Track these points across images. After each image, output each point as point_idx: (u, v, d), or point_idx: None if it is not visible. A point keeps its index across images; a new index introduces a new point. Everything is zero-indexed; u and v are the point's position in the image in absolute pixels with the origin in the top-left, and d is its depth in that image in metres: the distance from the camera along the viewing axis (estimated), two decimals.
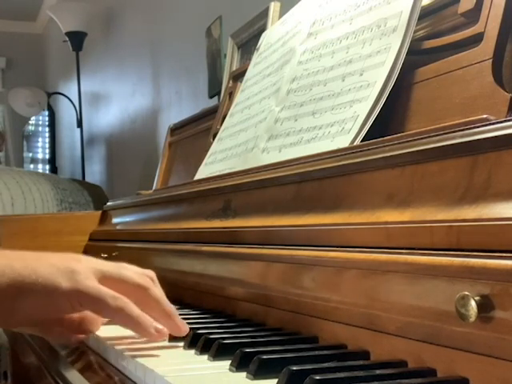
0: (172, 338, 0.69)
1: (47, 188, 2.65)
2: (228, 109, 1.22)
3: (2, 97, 5.41)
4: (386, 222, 0.54)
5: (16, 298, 0.64)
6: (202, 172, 1.15)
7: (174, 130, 1.65)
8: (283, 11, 1.25)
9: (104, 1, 3.98)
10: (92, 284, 0.65)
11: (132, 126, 3.57)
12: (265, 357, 0.53)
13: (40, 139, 5.56)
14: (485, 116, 0.53)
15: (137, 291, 0.68)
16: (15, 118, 5.32)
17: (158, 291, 0.69)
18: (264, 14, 1.39)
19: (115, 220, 1.42)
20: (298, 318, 0.67)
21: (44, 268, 0.65)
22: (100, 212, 1.52)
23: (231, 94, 1.30)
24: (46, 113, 5.32)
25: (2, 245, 1.43)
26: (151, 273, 0.73)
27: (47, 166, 5.44)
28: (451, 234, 0.47)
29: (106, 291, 0.65)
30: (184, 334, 0.67)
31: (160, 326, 0.65)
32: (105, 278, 0.67)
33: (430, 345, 0.49)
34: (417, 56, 0.77)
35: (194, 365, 0.59)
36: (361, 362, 0.53)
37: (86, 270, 0.66)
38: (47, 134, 5.51)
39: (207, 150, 1.19)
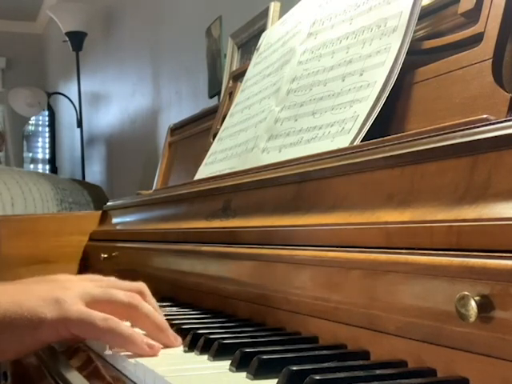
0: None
1: (47, 188, 2.65)
2: (228, 109, 1.22)
3: (2, 97, 5.41)
4: (386, 222, 0.54)
5: (4, 333, 0.65)
6: (202, 172, 1.15)
7: (174, 130, 1.65)
8: (283, 11, 1.25)
9: (104, 1, 3.98)
10: (79, 309, 0.66)
11: (132, 126, 3.57)
12: (265, 357, 0.53)
13: (40, 139, 5.56)
14: (485, 116, 0.53)
15: (126, 310, 0.69)
16: (15, 117, 5.32)
17: (147, 307, 0.69)
18: (264, 14, 1.39)
19: (115, 220, 1.42)
20: (298, 317, 0.67)
21: (30, 301, 0.66)
22: (100, 212, 1.52)
23: (231, 94, 1.30)
24: (46, 113, 5.32)
25: (2, 245, 1.43)
26: (142, 285, 0.73)
27: (47, 166, 5.44)
28: (451, 234, 0.47)
29: (94, 314, 0.66)
30: (178, 346, 0.67)
31: (152, 342, 0.65)
32: (94, 302, 0.68)
33: (430, 345, 0.49)
34: (417, 56, 0.77)
35: (194, 365, 0.59)
36: (361, 362, 0.53)
37: (72, 296, 0.67)
38: (47, 134, 5.51)
39: (207, 150, 1.19)
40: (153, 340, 0.66)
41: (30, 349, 0.69)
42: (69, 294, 0.67)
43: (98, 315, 0.66)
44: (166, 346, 0.67)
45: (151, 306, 0.71)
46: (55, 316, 0.65)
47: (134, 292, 0.71)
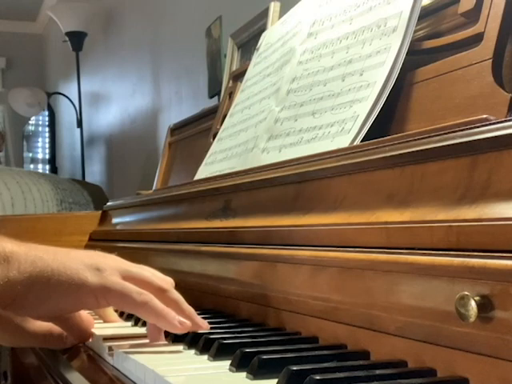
0: (173, 339, 0.69)
1: (47, 188, 2.65)
2: (228, 109, 1.22)
3: (2, 97, 5.41)
4: (386, 222, 0.54)
5: (45, 287, 0.66)
6: (202, 172, 1.15)
7: (174, 130, 1.65)
8: (283, 11, 1.25)
9: (104, 1, 3.98)
10: (117, 280, 0.68)
11: (132, 125, 3.57)
12: (265, 357, 0.53)
13: (40, 139, 5.56)
14: (485, 116, 0.53)
15: (157, 292, 0.70)
16: (15, 117, 5.32)
17: (177, 294, 0.71)
18: (264, 14, 1.39)
19: (115, 220, 1.42)
20: (298, 317, 0.67)
21: (72, 262, 0.67)
22: (100, 212, 1.52)
23: (231, 94, 1.30)
24: (46, 113, 5.33)
25: None
26: (171, 280, 0.74)
27: (47, 166, 5.44)
28: (451, 234, 0.47)
29: (131, 287, 0.68)
30: (206, 329, 0.69)
31: (183, 319, 0.67)
32: (129, 277, 0.69)
33: (430, 345, 0.49)
34: (417, 56, 0.77)
35: (194, 365, 0.59)
36: (361, 362, 0.53)
37: (111, 266, 0.69)
38: (47, 134, 5.51)
39: (207, 150, 1.19)
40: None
41: (65, 309, 0.70)
42: (107, 263, 0.69)
43: (134, 288, 0.67)
44: (195, 330, 0.69)
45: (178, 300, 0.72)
46: (95, 282, 0.67)
47: (163, 280, 0.73)
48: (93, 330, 0.76)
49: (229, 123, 1.14)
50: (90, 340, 0.76)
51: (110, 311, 0.84)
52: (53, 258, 0.67)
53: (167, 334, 0.70)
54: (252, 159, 0.95)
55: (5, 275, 0.64)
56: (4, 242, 0.68)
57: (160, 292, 0.70)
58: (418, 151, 0.54)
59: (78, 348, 0.77)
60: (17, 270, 0.65)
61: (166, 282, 0.72)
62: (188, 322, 0.67)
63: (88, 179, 4.00)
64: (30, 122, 5.49)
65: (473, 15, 0.71)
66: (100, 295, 0.67)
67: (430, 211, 0.50)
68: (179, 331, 0.67)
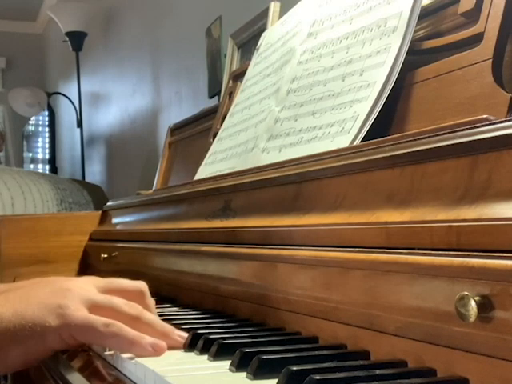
0: None
1: (47, 188, 2.65)
2: (228, 109, 1.22)
3: (2, 97, 5.41)
4: (386, 222, 0.54)
5: (9, 345, 0.65)
6: (202, 172, 1.15)
7: (174, 130, 1.65)
8: (283, 11, 1.25)
9: (104, 1, 3.98)
10: (81, 314, 0.65)
11: (132, 126, 3.57)
12: (265, 357, 0.53)
13: (40, 139, 5.56)
14: (485, 116, 0.53)
15: (128, 320, 0.68)
16: (15, 117, 5.32)
17: (149, 316, 0.69)
18: (264, 14, 1.39)
19: (115, 220, 1.42)
20: (298, 317, 0.67)
21: (32, 310, 0.65)
22: (100, 212, 1.52)
23: (231, 94, 1.30)
24: (46, 113, 5.32)
25: (2, 245, 1.43)
26: (142, 284, 0.73)
27: (47, 166, 5.44)
28: (451, 234, 0.47)
29: (96, 318, 0.65)
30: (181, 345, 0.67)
31: (156, 341, 0.64)
32: (95, 307, 0.67)
33: (430, 345, 0.49)
34: (417, 56, 0.77)
35: (194, 365, 0.59)
36: (361, 362, 0.53)
37: (75, 301, 0.66)
38: (47, 134, 5.50)
39: (207, 150, 1.19)
40: None
41: (36, 358, 0.69)
42: (71, 297, 0.67)
43: (100, 320, 0.65)
44: (174, 348, 0.67)
45: (149, 308, 0.71)
46: (58, 323, 0.65)
47: (134, 291, 0.71)
48: None
49: (229, 123, 1.14)
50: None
51: None
52: (12, 312, 0.65)
53: None
54: (252, 159, 0.95)
55: None
56: None
57: (131, 320, 0.68)
58: (417, 151, 0.54)
59: (78, 348, 0.77)
60: None
61: (134, 307, 0.69)
62: (162, 343, 0.64)
63: (88, 179, 4.00)
64: (30, 122, 5.49)
65: (473, 15, 0.71)
66: (65, 335, 0.65)
67: (430, 211, 0.50)
68: (155, 355, 0.64)
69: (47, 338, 0.65)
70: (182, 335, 0.67)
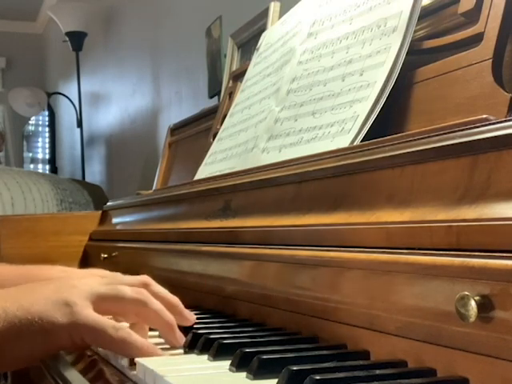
0: None
1: (47, 188, 2.65)
2: (228, 109, 1.22)
3: (2, 97, 5.41)
4: (386, 222, 0.54)
5: (14, 341, 0.63)
6: (202, 172, 1.15)
7: (174, 130, 1.65)
8: (283, 11, 1.25)
9: (104, 1, 3.98)
10: (90, 315, 0.64)
11: (132, 126, 3.57)
12: (265, 357, 0.53)
13: (40, 139, 5.56)
14: (485, 116, 0.53)
15: (135, 308, 0.67)
16: (15, 117, 5.32)
17: (156, 304, 0.68)
18: (264, 14, 1.39)
19: (115, 220, 1.42)
20: (298, 317, 0.67)
21: (38, 305, 0.64)
22: (100, 212, 1.52)
23: (231, 94, 1.30)
24: (46, 113, 5.32)
25: (2, 245, 1.43)
26: (146, 277, 0.72)
27: (47, 166, 5.44)
28: (451, 234, 0.47)
29: (106, 322, 0.64)
30: (192, 323, 0.69)
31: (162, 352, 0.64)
32: (101, 300, 0.66)
33: (430, 345, 0.49)
34: (417, 56, 0.77)
35: (194, 365, 0.59)
36: (361, 362, 0.53)
37: (81, 298, 0.65)
38: (47, 134, 5.50)
39: (207, 150, 1.19)
40: (162, 337, 0.66)
41: (42, 355, 0.67)
42: (76, 294, 0.65)
43: (109, 324, 0.63)
44: (176, 344, 0.67)
45: (160, 293, 0.70)
46: (66, 321, 0.63)
47: (139, 285, 0.70)
48: None
49: (229, 123, 1.14)
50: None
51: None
52: (17, 306, 0.63)
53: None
54: (252, 159, 0.95)
55: None
56: None
57: (138, 307, 0.67)
58: (417, 151, 0.54)
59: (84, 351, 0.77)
60: None
61: (141, 292, 0.68)
62: (158, 351, 0.64)
63: (88, 179, 4.00)
64: (30, 122, 5.49)
65: (473, 15, 0.71)
66: (74, 334, 0.63)
67: (430, 211, 0.50)
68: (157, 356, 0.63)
69: (56, 336, 0.63)
70: (182, 336, 0.67)
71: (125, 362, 0.63)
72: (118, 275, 0.71)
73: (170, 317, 0.68)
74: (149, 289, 0.69)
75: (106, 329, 0.63)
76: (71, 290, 0.66)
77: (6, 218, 1.67)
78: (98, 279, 0.71)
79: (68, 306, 0.64)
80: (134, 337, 0.63)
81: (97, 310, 0.65)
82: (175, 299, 0.70)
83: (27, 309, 0.63)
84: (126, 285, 0.69)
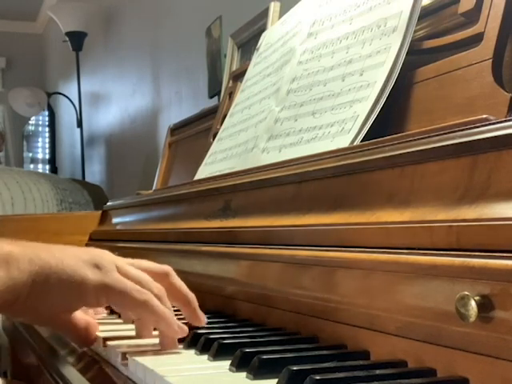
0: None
1: (47, 188, 2.65)
2: (228, 109, 1.22)
3: (2, 97, 5.41)
4: (386, 222, 0.54)
5: (45, 286, 0.64)
6: (202, 172, 1.15)
7: (174, 130, 1.65)
8: (283, 11, 1.25)
9: (104, 1, 3.98)
10: (117, 277, 0.66)
11: (132, 125, 3.57)
12: (265, 357, 0.53)
13: (40, 139, 5.56)
14: (485, 116, 0.53)
15: (158, 277, 0.69)
16: (15, 117, 5.32)
17: (179, 280, 0.71)
18: (264, 14, 1.39)
19: (115, 220, 1.42)
20: (298, 318, 0.67)
21: (70, 259, 0.65)
22: (100, 212, 1.52)
23: (231, 94, 1.30)
24: (46, 113, 5.32)
25: None
26: (168, 268, 0.73)
27: (47, 166, 5.44)
28: (451, 233, 0.47)
29: (132, 285, 0.66)
30: (202, 325, 0.69)
31: (182, 324, 0.66)
32: (125, 275, 0.67)
33: (430, 345, 0.49)
34: (417, 56, 0.77)
35: (194, 365, 0.59)
36: (361, 362, 0.53)
37: (109, 263, 0.67)
38: (47, 134, 5.51)
39: (207, 150, 1.19)
40: (181, 313, 0.68)
41: (67, 308, 0.68)
42: (105, 258, 0.67)
43: (134, 286, 0.66)
44: (192, 322, 0.69)
45: (178, 286, 0.71)
46: (96, 279, 0.65)
47: (160, 273, 0.71)
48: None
49: (229, 123, 1.14)
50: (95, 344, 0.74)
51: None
52: (50, 256, 0.65)
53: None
54: (252, 159, 0.95)
55: (6, 277, 0.62)
56: (0, 243, 0.65)
57: (161, 276, 0.69)
58: (417, 151, 0.54)
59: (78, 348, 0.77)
60: (17, 271, 0.63)
61: (166, 267, 0.71)
62: (185, 328, 0.66)
63: (88, 179, 4.00)
64: (30, 122, 5.49)
65: (473, 15, 0.71)
66: (100, 293, 0.66)
67: (430, 211, 0.50)
68: (177, 335, 0.65)
69: (83, 290, 0.65)
70: (202, 314, 0.69)
71: (125, 362, 0.63)
72: (142, 261, 0.72)
73: (190, 292, 0.70)
74: (168, 279, 0.71)
75: (131, 291, 0.65)
76: (101, 255, 0.68)
77: (6, 217, 1.67)
78: (122, 258, 0.72)
79: (98, 267, 0.66)
80: (156, 302, 0.66)
81: None
82: (191, 296, 0.71)
83: (60, 259, 0.65)
84: (147, 271, 0.70)
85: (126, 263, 0.70)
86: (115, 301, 0.67)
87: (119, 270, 0.67)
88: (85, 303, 0.68)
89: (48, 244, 0.68)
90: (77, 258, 0.66)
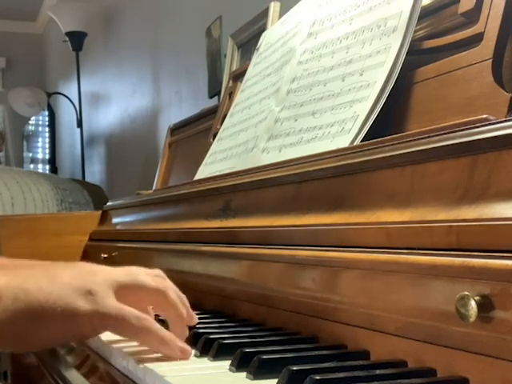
0: None
1: (47, 188, 2.65)
2: (228, 109, 1.22)
3: (2, 97, 5.41)
4: (386, 222, 0.54)
5: (33, 323, 0.61)
6: (202, 172, 1.15)
7: (174, 130, 1.65)
8: (283, 11, 1.25)
9: (104, 1, 3.98)
10: (112, 303, 0.63)
11: (132, 125, 3.57)
12: (265, 357, 0.53)
13: (40, 139, 5.56)
14: (485, 116, 0.53)
15: (154, 295, 0.67)
16: (15, 117, 5.32)
17: (174, 296, 0.67)
18: (264, 14, 1.39)
19: (115, 220, 1.42)
20: (298, 318, 0.67)
21: (59, 289, 0.62)
22: (100, 212, 1.52)
23: (231, 94, 1.30)
24: (46, 113, 5.32)
25: (2, 245, 1.43)
26: (159, 272, 0.71)
27: (47, 166, 5.44)
28: (451, 234, 0.47)
29: (129, 311, 0.63)
30: (194, 324, 0.68)
31: (184, 346, 0.63)
32: (121, 288, 0.65)
33: (430, 345, 0.49)
34: (417, 56, 0.77)
35: (194, 365, 0.59)
36: (361, 362, 0.53)
37: (102, 286, 0.63)
38: (47, 134, 5.50)
39: (207, 150, 1.19)
40: (170, 329, 0.65)
41: (62, 341, 0.66)
42: (98, 282, 0.63)
43: (131, 312, 0.62)
44: (182, 337, 0.66)
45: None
46: (89, 309, 0.61)
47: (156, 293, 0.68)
48: None
49: (229, 123, 1.14)
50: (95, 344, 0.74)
51: None
52: (38, 288, 0.61)
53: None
54: (252, 159, 0.95)
55: None
56: None
57: (157, 295, 0.66)
58: (417, 151, 0.55)
59: (78, 348, 0.77)
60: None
61: (161, 281, 0.68)
62: (189, 350, 0.62)
63: (88, 179, 4.00)
64: (30, 122, 5.49)
65: (473, 15, 0.71)
66: (96, 322, 0.62)
67: (430, 211, 0.50)
68: (179, 358, 0.62)
69: (78, 323, 0.61)
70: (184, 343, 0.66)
71: (125, 362, 0.63)
72: (133, 267, 0.70)
73: (183, 310, 0.67)
74: (165, 300, 0.68)
75: (129, 318, 0.62)
76: (92, 277, 0.64)
77: (5, 217, 1.67)
78: (116, 268, 0.69)
79: (90, 294, 0.62)
80: (157, 327, 0.63)
81: (117, 298, 0.64)
82: (183, 296, 0.70)
83: (48, 292, 0.61)
84: (143, 290, 0.68)
85: (120, 273, 0.66)
86: (113, 328, 0.63)
87: (114, 288, 0.64)
88: (81, 334, 0.64)
89: (38, 271, 0.65)
90: (66, 287, 0.62)
